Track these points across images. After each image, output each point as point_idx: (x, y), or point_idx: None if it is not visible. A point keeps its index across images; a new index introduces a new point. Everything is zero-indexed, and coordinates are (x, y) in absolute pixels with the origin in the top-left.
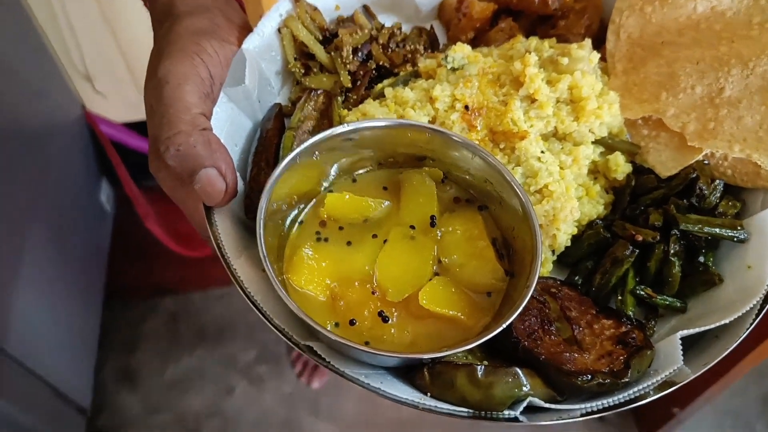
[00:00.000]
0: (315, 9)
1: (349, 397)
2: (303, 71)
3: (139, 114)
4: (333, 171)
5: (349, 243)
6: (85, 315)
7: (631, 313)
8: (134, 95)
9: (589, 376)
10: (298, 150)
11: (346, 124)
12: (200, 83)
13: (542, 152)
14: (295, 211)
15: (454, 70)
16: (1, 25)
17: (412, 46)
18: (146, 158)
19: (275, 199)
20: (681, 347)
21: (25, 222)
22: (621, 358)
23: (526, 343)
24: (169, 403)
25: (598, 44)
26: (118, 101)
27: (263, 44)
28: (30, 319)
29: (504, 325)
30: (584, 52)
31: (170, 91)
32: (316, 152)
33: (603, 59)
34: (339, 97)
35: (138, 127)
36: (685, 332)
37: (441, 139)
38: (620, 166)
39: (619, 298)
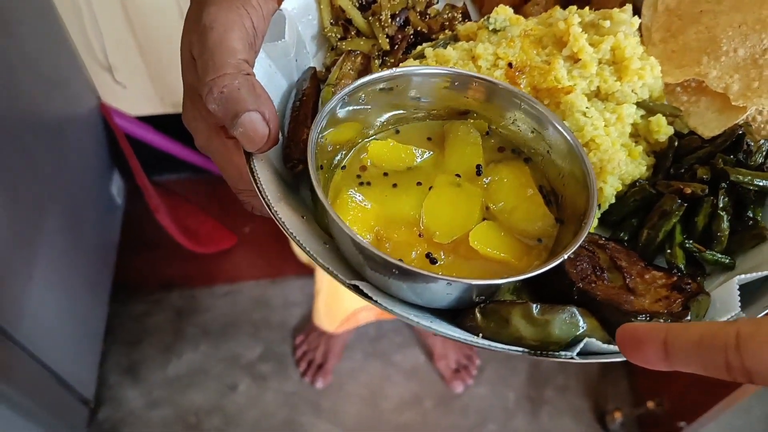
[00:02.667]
0: None
1: (352, 400)
2: (339, 36)
3: (155, 108)
4: (377, 122)
5: (394, 188)
6: (93, 307)
7: (681, 266)
8: (151, 88)
9: (649, 316)
10: (347, 90)
11: (393, 69)
12: (245, 32)
13: (587, 108)
14: (339, 157)
15: (495, 31)
16: (24, 17)
17: (449, 14)
18: (157, 153)
19: (323, 132)
20: (738, 294)
21: (41, 212)
22: (678, 301)
23: (581, 284)
24: (171, 398)
25: None
26: (136, 92)
27: (301, 6)
28: (40, 309)
29: (561, 259)
30: (626, 16)
31: (216, 36)
32: (362, 96)
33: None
34: (376, 60)
35: (152, 121)
36: (744, 277)
37: (487, 90)
38: (662, 128)
39: (668, 251)
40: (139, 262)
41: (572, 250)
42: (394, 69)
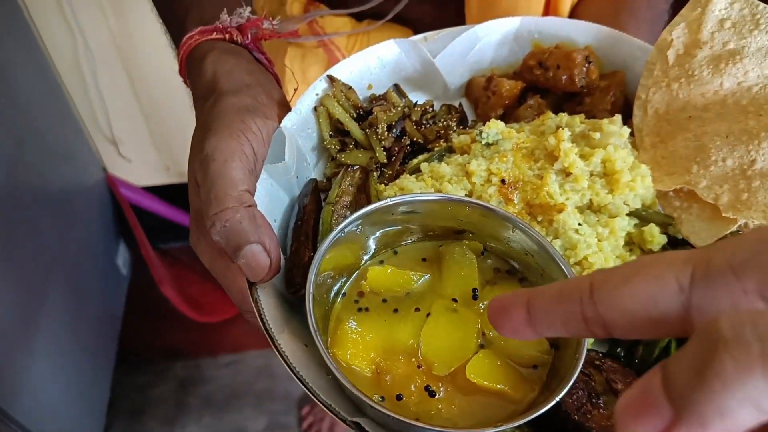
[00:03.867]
0: (350, 88)
1: None
2: (338, 148)
3: (161, 178)
4: (374, 244)
5: (392, 316)
6: (96, 378)
7: None
8: (157, 158)
9: None
10: (344, 224)
11: (389, 199)
12: (245, 160)
13: (579, 224)
14: (338, 284)
15: (488, 145)
16: (32, 94)
17: (444, 123)
18: (163, 221)
19: (320, 272)
20: None
21: (45, 285)
22: None
23: (576, 417)
24: None
25: (623, 119)
26: (142, 163)
27: (300, 122)
28: (41, 385)
29: (556, 399)
30: (615, 127)
31: (217, 167)
32: (360, 226)
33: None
34: (374, 173)
35: (157, 191)
36: None
37: (481, 213)
38: (655, 237)
39: None
40: (144, 331)
41: (566, 390)
42: (388, 199)
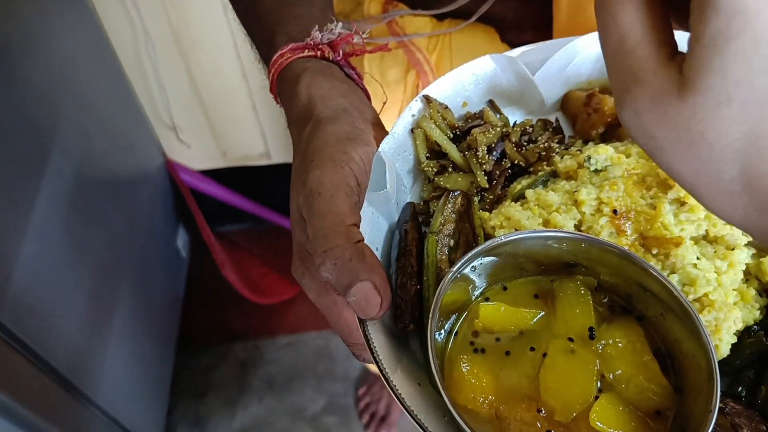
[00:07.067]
0: (446, 108)
1: None
2: (435, 170)
3: (217, 163)
4: (483, 280)
5: (506, 357)
6: (160, 361)
7: None
8: (213, 146)
9: None
10: (460, 264)
11: (503, 237)
12: (350, 193)
13: (698, 258)
14: (449, 323)
15: (597, 171)
16: (98, 86)
17: (545, 144)
18: (220, 205)
19: (439, 316)
20: None
21: (116, 273)
22: None
23: None
24: None
25: None
26: (200, 149)
27: (397, 145)
28: (115, 369)
29: None
30: None
31: (323, 202)
32: (473, 264)
33: None
34: (476, 197)
35: (215, 175)
36: None
37: (598, 250)
38: None
39: None
40: (204, 314)
41: None
42: (503, 237)
